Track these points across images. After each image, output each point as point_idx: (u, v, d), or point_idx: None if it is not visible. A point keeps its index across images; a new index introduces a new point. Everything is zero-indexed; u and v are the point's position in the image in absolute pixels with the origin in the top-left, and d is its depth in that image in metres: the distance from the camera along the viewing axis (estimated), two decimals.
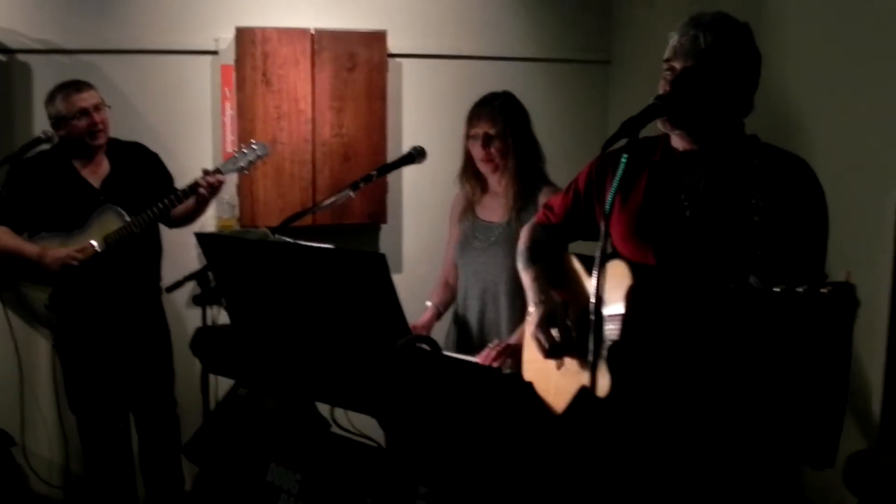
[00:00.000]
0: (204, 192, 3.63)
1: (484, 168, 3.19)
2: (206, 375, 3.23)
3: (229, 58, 4.28)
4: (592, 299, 1.93)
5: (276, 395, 3.11)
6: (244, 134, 4.20)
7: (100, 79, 4.08)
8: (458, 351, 3.16)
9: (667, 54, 2.23)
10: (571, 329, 2.32)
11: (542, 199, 3.13)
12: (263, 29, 4.22)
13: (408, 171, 4.53)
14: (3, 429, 3.91)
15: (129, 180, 3.75)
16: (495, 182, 3.24)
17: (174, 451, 3.90)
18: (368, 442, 2.64)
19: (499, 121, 3.14)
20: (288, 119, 4.27)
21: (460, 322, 3.27)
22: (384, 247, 4.63)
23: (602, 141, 4.97)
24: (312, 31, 4.29)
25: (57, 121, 3.61)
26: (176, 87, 4.33)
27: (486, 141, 3.13)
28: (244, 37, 4.20)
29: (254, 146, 3.77)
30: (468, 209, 3.31)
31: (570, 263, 2.46)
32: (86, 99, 3.62)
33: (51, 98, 3.63)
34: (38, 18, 4.14)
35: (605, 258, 2.01)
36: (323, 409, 2.74)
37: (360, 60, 4.35)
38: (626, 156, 2.09)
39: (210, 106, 4.36)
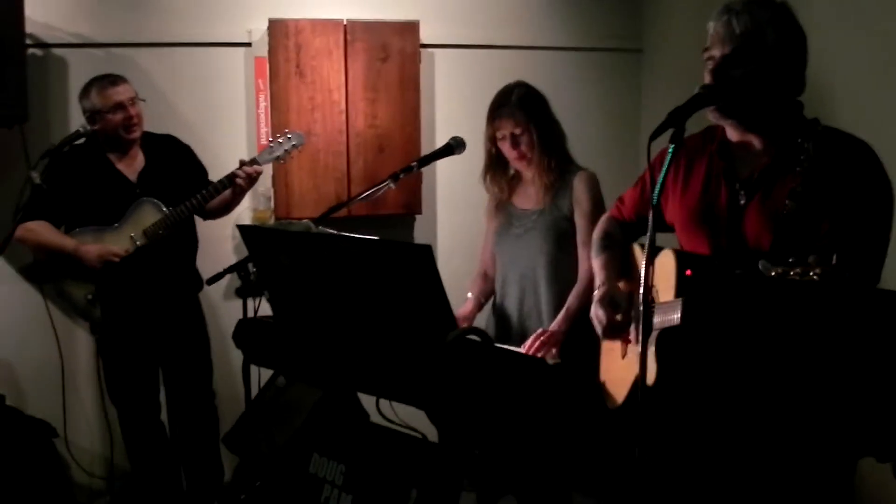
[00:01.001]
0: (242, 182, 3.65)
1: (520, 165, 3.19)
2: (248, 366, 3.26)
3: (262, 49, 4.29)
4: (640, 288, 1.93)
5: (317, 385, 3.13)
6: (278, 126, 4.20)
7: (134, 72, 4.10)
8: (499, 340, 3.15)
9: (706, 44, 2.20)
10: (630, 312, 2.34)
11: (577, 182, 3.13)
12: (296, 20, 4.22)
13: (442, 162, 4.49)
14: (46, 420, 3.94)
15: (164, 173, 3.77)
16: (530, 173, 3.23)
17: (213, 442, 3.92)
18: (412, 433, 2.65)
19: (520, 118, 3.12)
20: (322, 110, 4.27)
21: (499, 310, 3.26)
22: (419, 237, 4.64)
23: (634, 129, 4.99)
24: (345, 22, 4.29)
25: (92, 115, 3.62)
26: (210, 79, 4.34)
27: (514, 141, 3.13)
28: (277, 28, 4.21)
29: (289, 135, 3.78)
30: (503, 201, 3.31)
31: (636, 252, 2.50)
32: (121, 93, 3.63)
33: (85, 92, 3.65)
34: (72, 13, 4.16)
35: (654, 249, 2.01)
36: (366, 399, 2.75)
37: (392, 51, 4.34)
38: (672, 146, 2.06)
39: (244, 98, 4.38)
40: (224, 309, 4.26)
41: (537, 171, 3.16)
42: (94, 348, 4.12)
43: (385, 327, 2.36)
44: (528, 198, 3.23)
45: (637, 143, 4.95)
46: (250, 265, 3.07)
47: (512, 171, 3.27)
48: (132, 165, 3.75)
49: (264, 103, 4.32)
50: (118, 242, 3.63)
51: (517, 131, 3.11)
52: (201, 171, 3.93)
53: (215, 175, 3.91)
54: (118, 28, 4.22)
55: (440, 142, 4.57)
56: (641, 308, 1.95)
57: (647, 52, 4.92)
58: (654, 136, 2.07)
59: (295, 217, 4.23)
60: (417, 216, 4.59)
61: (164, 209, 3.66)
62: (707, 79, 2.18)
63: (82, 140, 3.64)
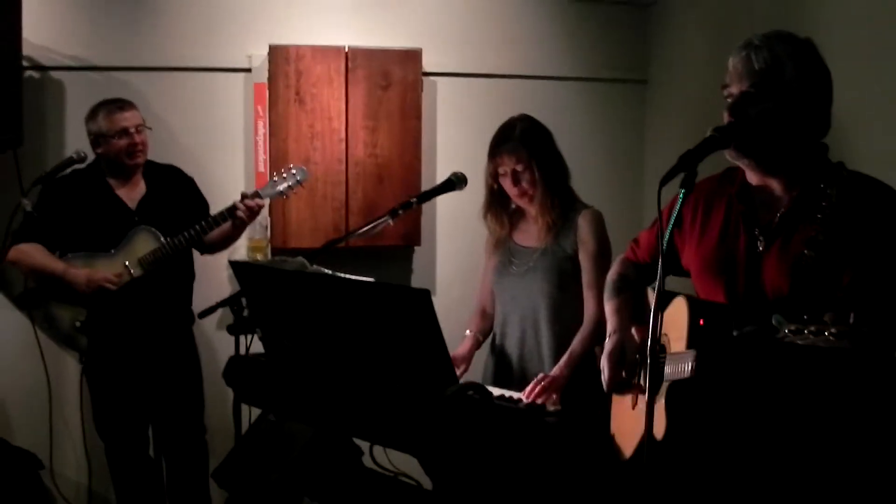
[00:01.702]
0: (242, 215, 3.58)
1: (521, 202, 3.11)
2: (239, 404, 3.17)
3: (262, 76, 4.23)
4: (661, 337, 1.87)
5: (309, 425, 3.04)
6: (277, 153, 4.15)
7: (132, 96, 4.03)
8: (498, 382, 3.07)
9: (725, 80, 2.12)
10: (636, 366, 2.27)
11: (582, 221, 3.05)
12: (297, 47, 4.16)
13: None
14: (32, 451, 3.85)
15: (164, 202, 3.71)
16: (533, 210, 3.15)
17: (202, 477, 3.83)
18: (406, 479, 2.56)
19: (523, 153, 3.03)
20: (321, 138, 4.20)
21: (499, 351, 3.18)
22: (418, 269, 4.56)
23: (637, 160, 4.93)
24: (346, 49, 4.23)
25: (97, 138, 3.59)
26: (208, 104, 4.29)
27: (516, 178, 3.04)
28: (278, 54, 4.15)
29: (293, 171, 3.71)
30: (503, 238, 3.23)
31: (648, 297, 2.40)
32: (128, 118, 3.60)
33: (93, 115, 3.61)
34: (70, 35, 4.11)
35: (663, 297, 1.93)
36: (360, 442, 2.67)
37: (394, 79, 4.28)
38: (682, 191, 1.99)
39: (242, 124, 4.31)
40: (219, 341, 4.16)
41: (540, 208, 3.08)
42: (81, 378, 4.02)
43: (381, 371, 2.29)
44: (530, 235, 3.15)
45: (640, 175, 4.89)
46: (243, 300, 3.00)
47: (513, 207, 3.20)
48: (132, 193, 3.70)
49: (263, 130, 4.26)
50: (111, 269, 3.57)
51: (519, 168, 3.03)
52: (203, 204, 3.86)
53: (214, 203, 3.85)
54: (117, 51, 4.16)
55: (441, 171, 4.54)
56: (648, 359, 1.88)
57: (652, 83, 4.87)
58: (665, 180, 2.00)
59: (292, 247, 4.15)
60: (416, 248, 4.51)
61: (162, 238, 3.59)
62: (725, 116, 2.10)
63: (82, 166, 3.58)
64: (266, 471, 3.33)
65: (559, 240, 3.07)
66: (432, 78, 4.49)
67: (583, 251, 3.04)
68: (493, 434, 1.83)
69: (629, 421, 2.33)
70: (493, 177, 3.12)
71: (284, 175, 3.70)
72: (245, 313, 3.17)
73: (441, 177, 4.51)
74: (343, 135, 4.23)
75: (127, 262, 3.57)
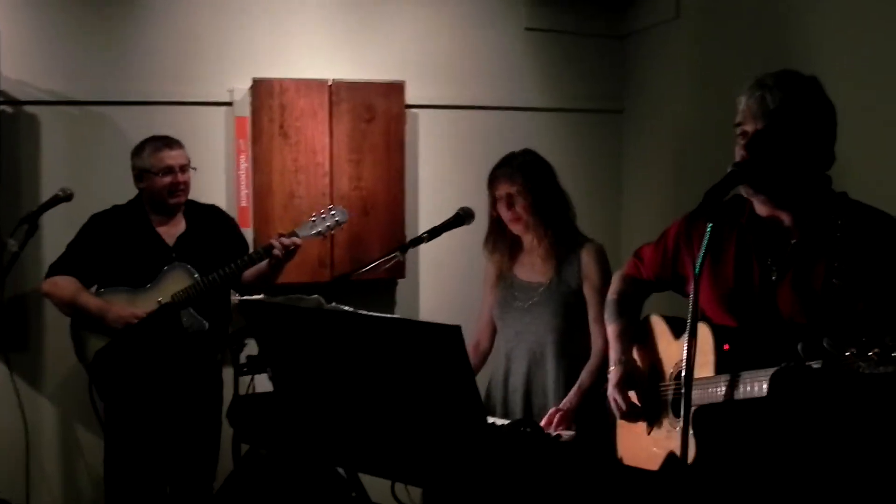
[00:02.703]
0: (278, 253, 3.49)
1: (516, 228, 3.13)
2: (238, 444, 3.11)
3: (244, 109, 4.18)
4: (683, 364, 1.90)
5: (326, 464, 2.98)
6: (260, 188, 4.10)
7: (111, 131, 3.99)
8: (503, 415, 3.05)
9: (737, 118, 2.18)
10: (648, 390, 2.32)
11: (585, 255, 3.08)
12: (281, 80, 4.13)
13: (424, 225, 4.44)
14: (6, 499, 3.72)
15: (203, 241, 3.64)
16: (529, 240, 3.16)
17: None
18: None
19: (517, 179, 3.08)
20: (305, 172, 4.17)
21: (503, 385, 3.16)
22: (401, 302, 4.54)
23: (616, 189, 4.99)
24: (330, 83, 4.21)
25: (140, 173, 3.56)
26: (189, 138, 4.13)
27: (510, 202, 3.08)
28: (261, 88, 4.11)
29: (333, 212, 3.65)
30: (504, 272, 3.23)
31: (655, 324, 2.44)
32: (174, 157, 3.55)
33: (139, 150, 3.58)
34: (47, 69, 4.03)
35: (696, 324, 1.96)
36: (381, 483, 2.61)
37: (378, 112, 4.27)
38: (710, 225, 2.03)
39: (224, 159, 4.25)
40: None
41: (535, 237, 3.11)
42: (59, 421, 3.94)
43: (407, 409, 2.24)
44: (532, 269, 3.16)
45: (618, 205, 4.94)
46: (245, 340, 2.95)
47: (511, 240, 3.20)
48: (172, 230, 3.63)
49: (245, 164, 4.20)
50: (144, 305, 3.48)
51: (512, 191, 3.07)
52: (243, 244, 3.78)
53: None
54: (95, 85, 4.09)
55: (424, 203, 4.54)
56: (683, 388, 1.91)
57: (628, 112, 4.94)
58: (693, 218, 2.05)
59: (278, 283, 4.09)
60: (400, 280, 4.48)
61: (196, 276, 3.51)
62: (739, 154, 2.16)
63: (66, 202, 3.49)
64: None
65: (562, 274, 3.08)
66: (414, 110, 4.49)
67: (587, 286, 3.06)
68: (548, 468, 1.82)
69: (646, 447, 2.34)
70: (493, 205, 3.15)
71: (324, 216, 3.64)
72: (243, 352, 3.13)
73: (424, 208, 4.56)
74: (327, 168, 4.20)
75: (160, 299, 3.49)
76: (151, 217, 3.61)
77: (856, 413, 1.92)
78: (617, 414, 2.39)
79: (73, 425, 4.07)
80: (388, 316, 2.20)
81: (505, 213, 3.10)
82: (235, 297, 3.90)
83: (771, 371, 1.93)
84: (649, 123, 4.77)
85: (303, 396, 2.54)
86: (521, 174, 3.08)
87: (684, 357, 1.90)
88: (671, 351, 2.34)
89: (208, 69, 4.22)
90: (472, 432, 2.02)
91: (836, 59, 3.35)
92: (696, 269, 1.98)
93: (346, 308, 2.38)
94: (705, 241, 2.01)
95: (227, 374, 3.72)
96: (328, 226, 3.63)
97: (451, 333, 2.09)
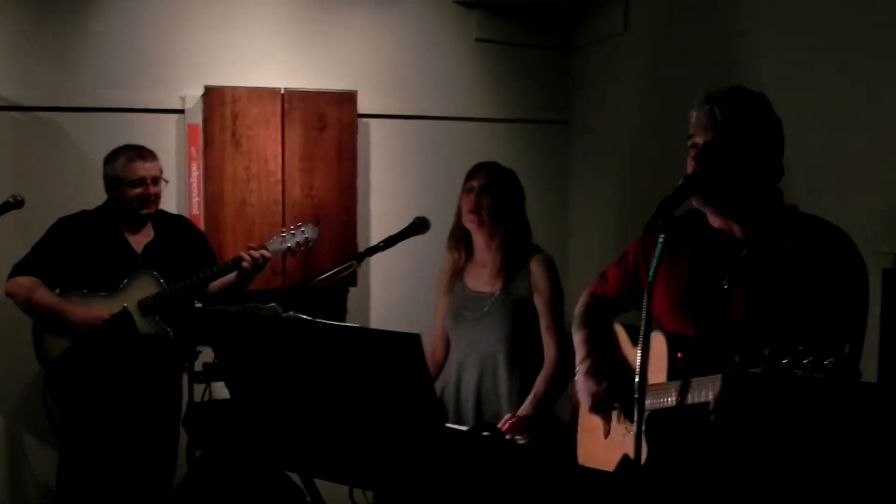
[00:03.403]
0: (247, 265, 3.52)
1: (469, 220, 3.17)
2: (193, 450, 3.12)
3: (196, 117, 4.18)
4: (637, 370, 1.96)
5: (284, 470, 3.00)
6: (212, 195, 4.10)
7: (59, 137, 3.94)
8: (457, 423, 3.10)
9: (689, 130, 2.25)
10: (614, 388, 2.38)
11: (534, 265, 3.15)
12: (234, 88, 4.14)
13: (376, 234, 4.49)
14: None
15: (170, 250, 3.64)
16: (481, 248, 3.22)
17: None
18: None
19: (495, 179, 3.18)
20: (258, 180, 4.18)
21: (455, 394, 3.21)
22: (353, 309, 4.57)
23: (562, 198, 5.07)
24: (283, 91, 4.23)
25: (112, 181, 3.55)
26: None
27: (480, 190, 3.14)
28: (213, 96, 4.11)
29: (303, 229, 3.68)
30: (455, 278, 3.28)
31: (618, 332, 2.53)
32: (147, 169, 3.55)
33: (112, 158, 3.57)
34: None
35: (649, 331, 2.03)
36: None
37: (330, 120, 4.30)
38: (662, 236, 2.10)
39: (175, 166, 4.23)
40: None
41: (484, 240, 3.17)
42: (7, 426, 3.90)
43: (365, 414, 2.28)
44: (482, 280, 3.21)
45: (565, 213, 5.03)
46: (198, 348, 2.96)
47: (464, 250, 3.26)
48: (140, 238, 3.63)
49: (197, 172, 4.20)
50: (109, 309, 3.46)
51: (486, 183, 3.14)
52: (210, 258, 3.77)
53: None
54: (44, 91, 4.04)
55: (376, 212, 4.59)
56: (636, 392, 1.97)
57: (573, 123, 5.05)
58: (649, 227, 2.11)
59: None
60: (351, 288, 4.51)
61: (163, 284, 3.51)
62: (690, 166, 2.23)
63: (20, 208, 3.43)
64: None
65: (513, 284, 3.14)
66: (365, 119, 4.53)
67: (538, 296, 3.13)
68: (509, 471, 1.87)
69: (602, 450, 2.42)
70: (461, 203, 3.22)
71: (293, 231, 3.66)
72: (197, 361, 3.14)
73: (375, 217, 4.60)
74: (280, 176, 4.22)
75: (125, 304, 3.47)
76: (120, 224, 3.60)
77: (793, 414, 2.00)
78: (585, 403, 2.43)
79: (22, 433, 4.02)
80: (348, 325, 2.23)
81: (467, 203, 3.16)
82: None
83: (716, 378, 2.03)
84: (596, 135, 4.86)
85: (260, 403, 2.56)
86: (495, 177, 3.18)
87: (642, 366, 1.97)
88: (630, 357, 2.42)
89: (160, 76, 4.20)
90: (431, 437, 2.06)
91: (782, 73, 3.46)
92: (650, 278, 2.05)
93: (304, 317, 2.40)
94: (658, 252, 2.08)
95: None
96: (297, 242, 3.66)
97: (410, 341, 2.14)
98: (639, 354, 2.00)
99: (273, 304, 2.54)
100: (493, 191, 3.14)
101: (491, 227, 3.16)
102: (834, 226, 2.20)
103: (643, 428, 2.11)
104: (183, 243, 3.71)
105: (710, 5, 3.98)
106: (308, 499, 2.87)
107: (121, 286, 3.52)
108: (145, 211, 3.58)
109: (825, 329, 2.01)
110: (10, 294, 3.51)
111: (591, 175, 4.92)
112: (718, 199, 2.20)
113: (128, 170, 3.52)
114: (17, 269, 3.52)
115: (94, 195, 3.80)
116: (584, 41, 4.89)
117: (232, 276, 3.60)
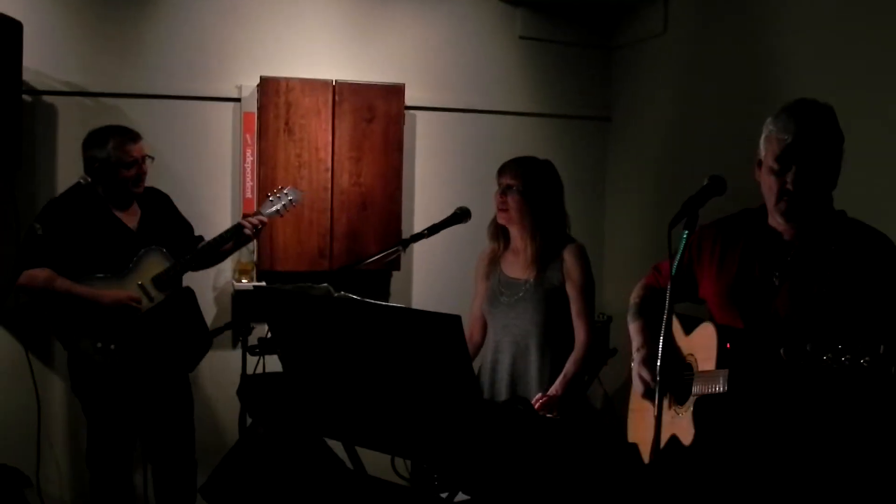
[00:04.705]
0: (249, 232, 3.78)
1: (501, 217, 3.35)
2: (244, 420, 3.31)
3: (252, 105, 4.39)
4: (690, 357, 2.16)
5: (331, 438, 3.19)
6: (265, 181, 4.30)
7: (123, 121, 4.12)
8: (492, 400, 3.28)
9: (773, 148, 2.35)
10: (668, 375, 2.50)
11: (567, 254, 3.30)
12: (287, 79, 4.34)
13: (419, 221, 4.68)
14: (19, 469, 3.91)
15: (160, 223, 3.81)
16: (517, 238, 3.39)
17: (190, 494, 3.91)
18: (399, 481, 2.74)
19: (520, 176, 3.32)
20: (308, 167, 4.38)
21: (491, 373, 3.39)
22: (395, 293, 4.76)
23: (600, 194, 5.17)
24: (334, 83, 4.42)
25: (104, 164, 3.64)
26: (198, 132, 4.42)
27: (505, 190, 3.31)
28: (268, 86, 4.32)
29: (285, 191, 3.90)
30: (494, 264, 3.45)
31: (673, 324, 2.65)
32: (140, 149, 3.71)
33: (101, 141, 3.66)
34: (65, 61, 4.20)
35: (671, 322, 2.21)
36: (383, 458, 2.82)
37: (378, 112, 4.48)
38: (686, 232, 2.26)
39: (231, 152, 4.45)
40: (214, 362, 4.30)
41: (520, 234, 3.33)
42: (69, 399, 4.12)
43: (408, 389, 2.46)
44: (517, 267, 3.38)
45: (602, 205, 5.18)
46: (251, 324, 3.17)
47: (503, 240, 3.43)
48: (130, 216, 3.77)
49: (251, 158, 4.41)
50: (125, 290, 3.61)
51: (511, 183, 3.30)
52: (185, 222, 3.99)
53: (202, 228, 4.00)
54: (109, 78, 4.26)
55: (419, 200, 4.77)
56: (658, 375, 2.17)
57: (615, 120, 5.17)
58: (673, 223, 2.26)
59: (277, 270, 4.32)
60: (395, 272, 4.70)
61: (171, 258, 3.70)
62: (777, 184, 2.35)
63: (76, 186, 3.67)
64: (253, 484, 3.47)
65: (547, 272, 3.31)
66: (412, 111, 4.71)
67: (570, 283, 3.29)
68: (541, 443, 2.04)
69: (647, 430, 2.57)
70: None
71: (279, 195, 3.89)
72: (251, 336, 3.35)
73: (418, 205, 4.78)
74: (329, 164, 4.41)
75: (141, 282, 3.64)
76: (110, 205, 3.71)
77: (827, 403, 2.16)
78: (640, 389, 2.58)
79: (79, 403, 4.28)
80: (396, 305, 2.41)
81: (498, 201, 3.34)
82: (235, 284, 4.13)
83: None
84: (634, 132, 4.99)
85: (310, 376, 2.76)
86: (523, 174, 3.32)
87: (692, 350, 2.15)
88: (681, 345, 2.56)
89: (219, 66, 4.41)
90: (469, 410, 2.25)
91: (819, 76, 3.54)
92: (672, 271, 2.22)
93: (354, 297, 2.59)
94: (681, 246, 2.25)
95: (235, 356, 3.96)
96: (283, 205, 3.90)
97: (452, 322, 2.32)
98: (661, 343, 2.17)
99: (325, 284, 2.73)
100: (518, 189, 3.29)
101: (520, 221, 3.32)
102: (879, 232, 2.35)
103: (692, 410, 2.31)
104: (166, 215, 3.89)
105: (746, 8, 4.08)
106: (350, 466, 3.07)
107: (130, 265, 3.64)
108: (139, 189, 3.73)
109: (864, 329, 2.18)
110: (25, 286, 3.58)
111: (628, 170, 5.05)
112: (803, 216, 2.35)
113: (122, 152, 3.64)
114: (27, 262, 3.55)
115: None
116: (625, 41, 5.02)
117: (229, 244, 3.85)
